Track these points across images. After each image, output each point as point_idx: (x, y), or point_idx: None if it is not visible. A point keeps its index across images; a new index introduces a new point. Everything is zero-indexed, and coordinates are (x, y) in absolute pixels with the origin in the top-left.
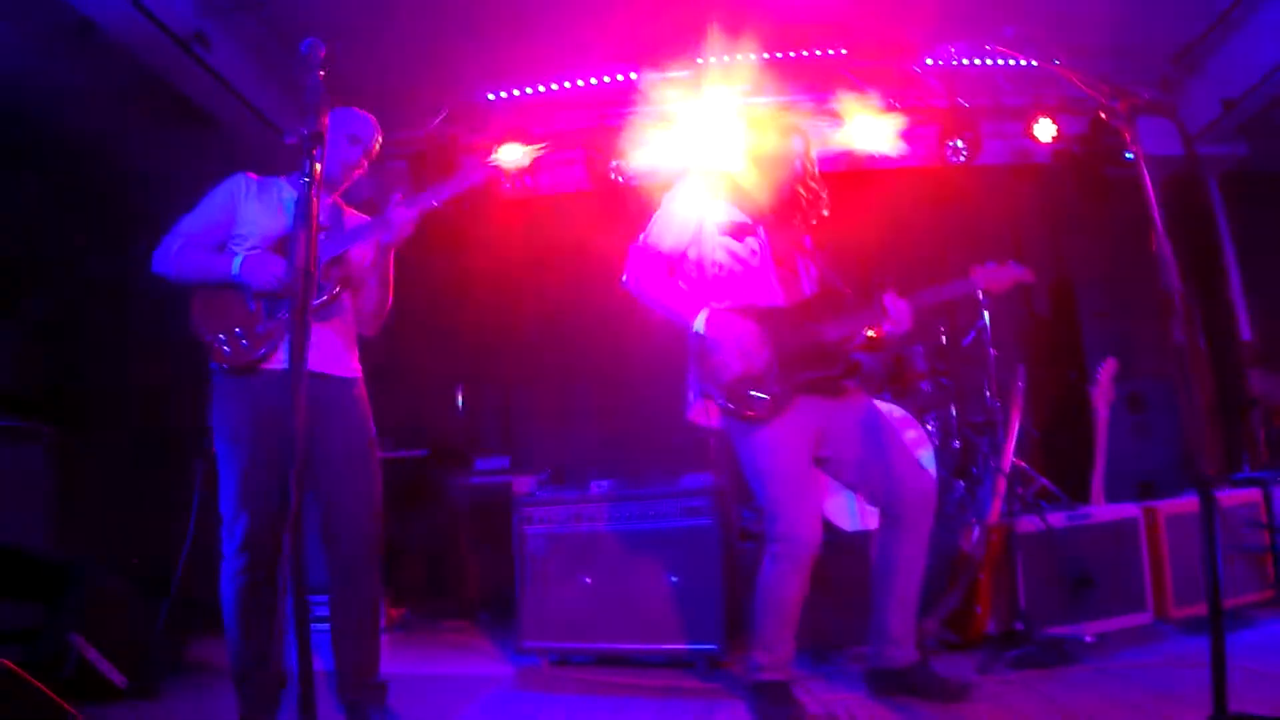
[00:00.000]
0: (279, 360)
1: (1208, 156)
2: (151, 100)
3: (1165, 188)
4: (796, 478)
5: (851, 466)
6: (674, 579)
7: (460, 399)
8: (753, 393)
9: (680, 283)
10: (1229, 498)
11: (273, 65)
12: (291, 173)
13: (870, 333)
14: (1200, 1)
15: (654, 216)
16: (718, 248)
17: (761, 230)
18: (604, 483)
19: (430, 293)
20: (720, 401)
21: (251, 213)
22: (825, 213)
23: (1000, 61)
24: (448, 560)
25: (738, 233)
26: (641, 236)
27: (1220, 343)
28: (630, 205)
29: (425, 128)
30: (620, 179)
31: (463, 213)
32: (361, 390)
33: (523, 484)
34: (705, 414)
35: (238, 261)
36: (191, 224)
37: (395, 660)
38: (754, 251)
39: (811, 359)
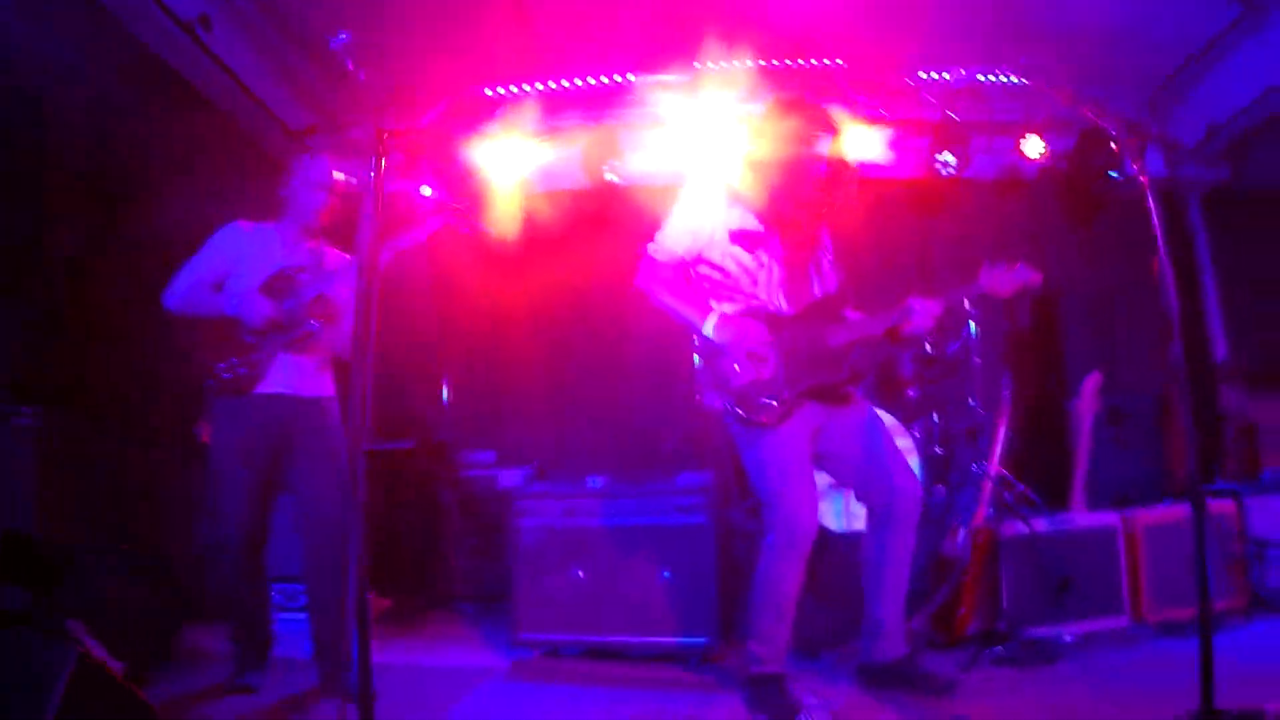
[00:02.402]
0: (265, 385)
1: (1190, 178)
2: (153, 85)
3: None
4: (796, 471)
5: (846, 464)
6: (668, 574)
7: (446, 391)
8: (761, 399)
9: (694, 284)
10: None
11: (273, 53)
12: (282, 219)
13: (889, 332)
14: (1189, 29)
15: (667, 220)
16: (727, 256)
17: (774, 240)
18: (599, 478)
19: (419, 285)
20: (728, 406)
21: (246, 258)
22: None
23: (993, 78)
24: (433, 553)
25: (748, 242)
26: (654, 240)
27: (1195, 359)
28: (624, 205)
29: (423, 121)
30: (616, 179)
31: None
32: (332, 405)
33: (509, 478)
34: (714, 400)
35: (233, 301)
36: (195, 268)
37: (388, 652)
38: (762, 263)
39: (817, 365)
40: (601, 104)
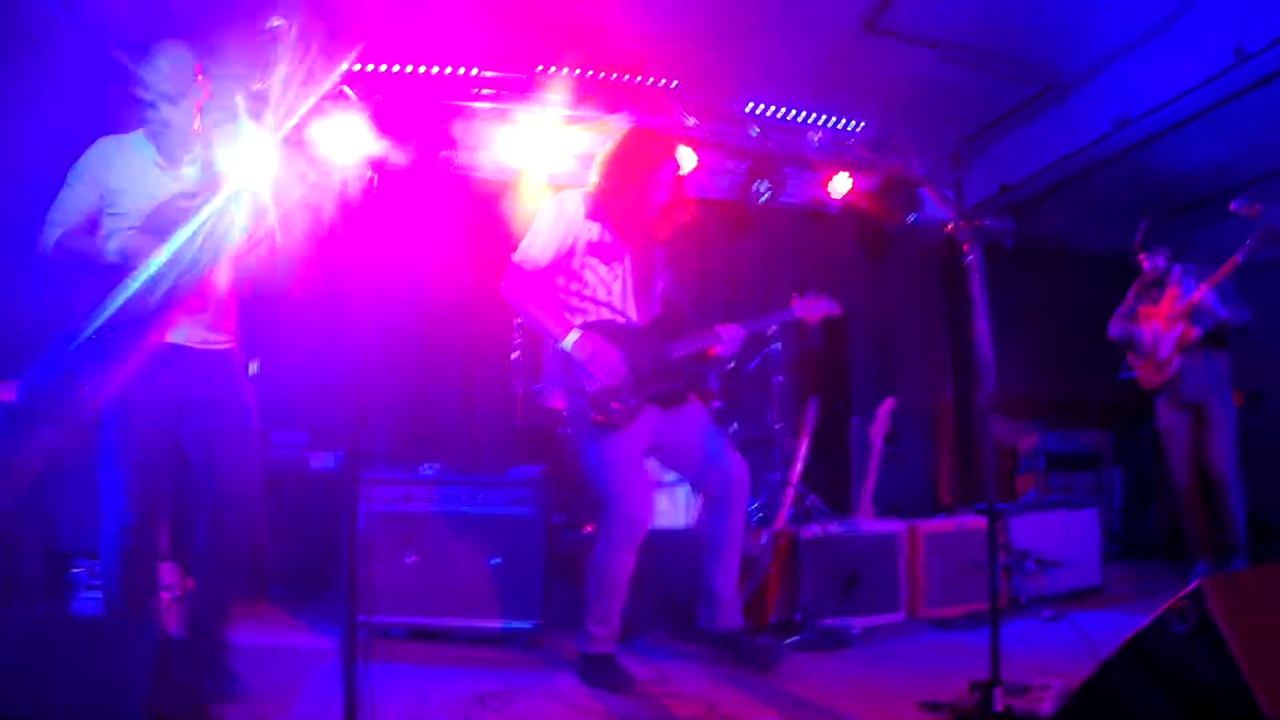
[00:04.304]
0: (172, 336)
1: (978, 228)
2: None
3: (940, 249)
4: (636, 469)
5: (682, 456)
6: (498, 561)
7: (256, 369)
8: (611, 404)
9: (552, 293)
10: (971, 521)
11: None
12: (151, 124)
13: (707, 352)
14: (995, 95)
15: (530, 230)
16: (585, 267)
17: (627, 255)
18: (432, 466)
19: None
20: (582, 408)
21: (121, 182)
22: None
23: (811, 117)
24: None
25: (605, 255)
26: (519, 250)
27: (965, 388)
28: (454, 194)
29: (254, 82)
30: (451, 167)
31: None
32: (236, 360)
33: (321, 460)
34: (559, 401)
35: (114, 245)
36: (63, 211)
37: None
38: (617, 275)
39: (660, 374)
40: (440, 93)
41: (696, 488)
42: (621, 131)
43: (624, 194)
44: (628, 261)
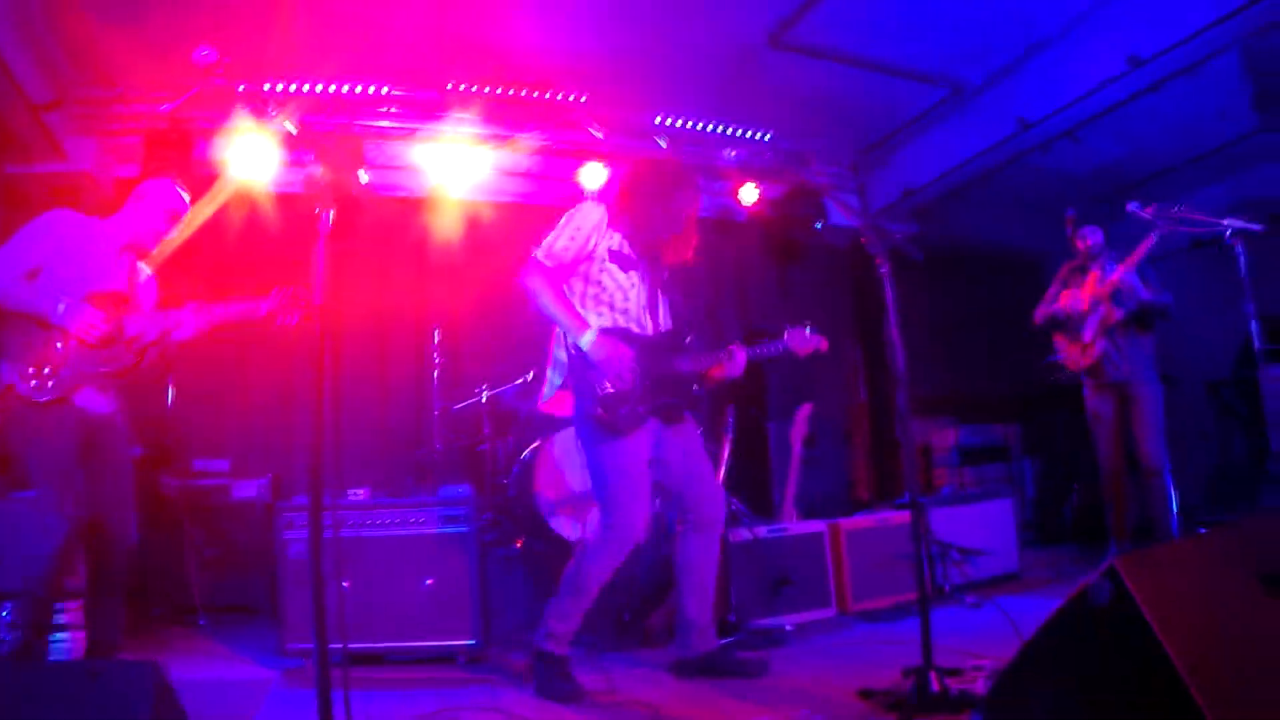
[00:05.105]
0: (79, 399)
1: (884, 233)
2: None
3: (847, 254)
4: (637, 478)
5: (675, 474)
6: (434, 581)
7: (170, 397)
8: (621, 408)
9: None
10: (893, 517)
11: (22, 15)
12: (111, 221)
13: (710, 372)
14: (899, 103)
15: (556, 230)
16: (605, 272)
17: (642, 266)
18: (360, 490)
19: None
20: (592, 410)
21: (75, 254)
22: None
23: (718, 129)
24: (166, 564)
25: (624, 264)
26: (542, 247)
27: (879, 390)
28: (363, 215)
29: (166, 106)
30: (359, 187)
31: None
32: (120, 420)
33: (244, 488)
34: (558, 407)
35: (62, 307)
36: (11, 255)
37: None
38: (633, 284)
39: (667, 387)
40: (353, 112)
41: (677, 506)
42: (653, 159)
43: (649, 215)
44: (643, 273)
